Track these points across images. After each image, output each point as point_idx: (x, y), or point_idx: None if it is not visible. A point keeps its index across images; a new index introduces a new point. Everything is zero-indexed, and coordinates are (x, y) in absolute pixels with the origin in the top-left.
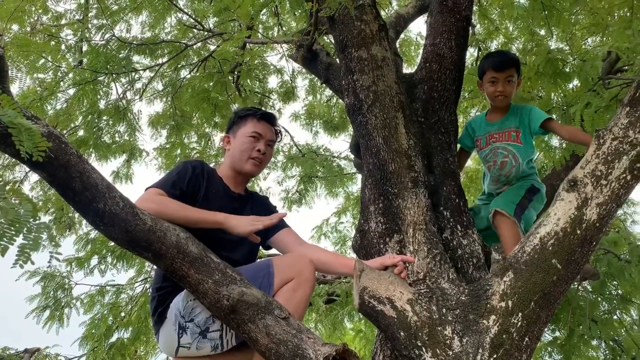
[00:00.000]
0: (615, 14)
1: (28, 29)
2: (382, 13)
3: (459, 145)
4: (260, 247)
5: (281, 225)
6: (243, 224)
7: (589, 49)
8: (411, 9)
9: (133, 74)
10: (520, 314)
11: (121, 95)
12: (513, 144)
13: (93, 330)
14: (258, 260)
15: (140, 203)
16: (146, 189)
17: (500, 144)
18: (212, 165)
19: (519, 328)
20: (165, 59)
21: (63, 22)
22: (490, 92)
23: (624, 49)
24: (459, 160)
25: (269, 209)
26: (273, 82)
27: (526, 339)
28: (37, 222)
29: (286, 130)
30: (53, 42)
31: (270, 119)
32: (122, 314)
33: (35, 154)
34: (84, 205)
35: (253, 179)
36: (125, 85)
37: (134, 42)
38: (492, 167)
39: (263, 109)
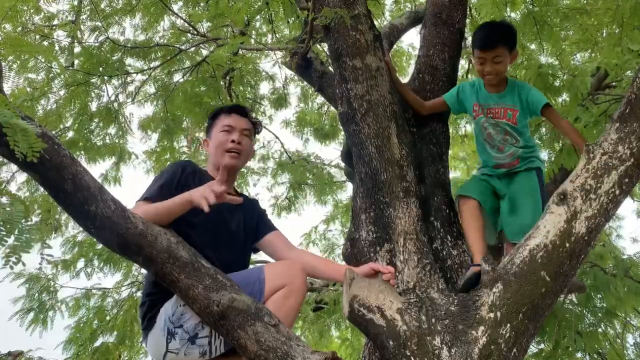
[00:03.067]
0: (605, 31)
1: (20, 28)
2: (376, 23)
3: (441, 99)
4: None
5: (270, 227)
6: (201, 191)
7: (578, 64)
8: (405, 20)
9: (125, 76)
10: (508, 325)
11: (113, 98)
12: (509, 124)
13: (78, 334)
14: (250, 267)
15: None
16: (136, 202)
17: (499, 121)
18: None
19: (507, 339)
20: (158, 63)
21: (55, 22)
22: (479, 71)
23: (612, 65)
24: (432, 104)
25: (259, 211)
26: (265, 88)
27: (514, 350)
28: (29, 223)
29: (276, 137)
30: (45, 43)
31: (239, 111)
32: (108, 318)
33: (30, 154)
34: (75, 207)
35: (243, 184)
36: (117, 88)
37: (127, 45)
38: (490, 143)
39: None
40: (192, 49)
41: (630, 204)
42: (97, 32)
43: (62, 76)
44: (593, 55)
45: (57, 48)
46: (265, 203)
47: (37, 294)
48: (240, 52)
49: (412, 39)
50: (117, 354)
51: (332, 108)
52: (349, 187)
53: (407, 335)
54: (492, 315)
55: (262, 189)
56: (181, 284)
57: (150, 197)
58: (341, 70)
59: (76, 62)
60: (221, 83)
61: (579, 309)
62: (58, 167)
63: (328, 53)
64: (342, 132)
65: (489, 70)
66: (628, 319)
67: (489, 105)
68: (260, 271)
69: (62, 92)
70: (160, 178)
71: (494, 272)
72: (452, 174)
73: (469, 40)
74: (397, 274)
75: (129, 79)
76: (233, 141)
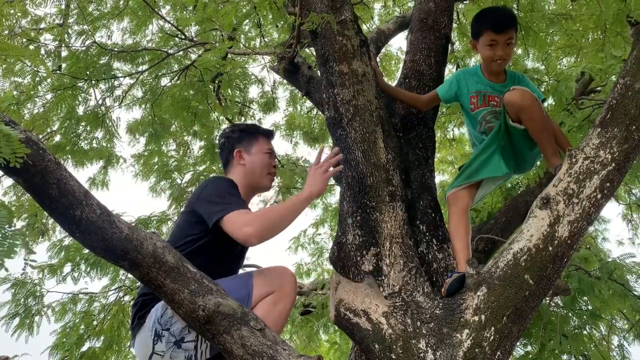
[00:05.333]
0: (590, 37)
1: (6, 32)
2: (364, 28)
3: (435, 92)
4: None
5: None
6: (320, 184)
7: (563, 69)
8: (392, 25)
9: (113, 80)
10: (492, 328)
11: (100, 102)
12: None
13: (64, 339)
14: (240, 272)
15: (244, 230)
16: (219, 220)
17: (500, 109)
18: (189, 175)
19: (491, 342)
20: (146, 67)
21: (42, 26)
22: (488, 56)
23: (596, 70)
24: (429, 98)
25: None
26: (254, 92)
27: (498, 353)
28: (13, 228)
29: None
30: (32, 47)
31: (273, 137)
32: (95, 323)
33: (13, 160)
34: (60, 212)
35: None
36: (105, 92)
37: (115, 49)
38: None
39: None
40: (180, 53)
41: (616, 207)
42: (84, 36)
43: (48, 80)
44: (578, 60)
45: (43, 52)
46: (254, 207)
47: (22, 299)
48: (229, 56)
49: (400, 43)
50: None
51: (321, 112)
52: (338, 190)
53: (392, 338)
54: (476, 318)
55: None
56: (167, 288)
57: (241, 207)
58: (328, 75)
59: (63, 65)
60: (210, 87)
61: (564, 311)
62: (43, 172)
63: (315, 58)
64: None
65: (501, 54)
66: (613, 321)
67: (491, 94)
68: (249, 277)
69: (48, 96)
70: (227, 193)
71: (479, 276)
72: (440, 177)
73: (456, 45)
74: (383, 277)
75: (116, 82)
76: (274, 166)
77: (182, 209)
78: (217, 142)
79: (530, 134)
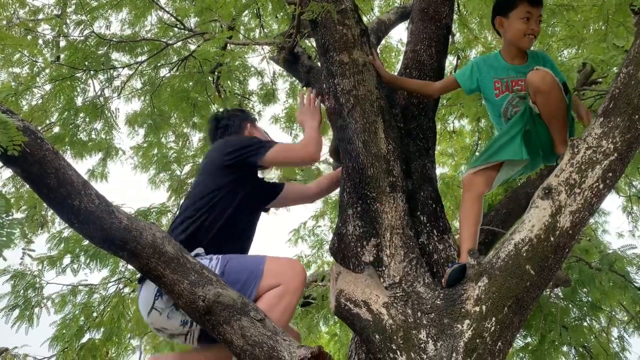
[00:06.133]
0: (591, 27)
1: (4, 22)
2: (364, 19)
3: (452, 78)
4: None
5: (279, 184)
6: (317, 115)
7: (565, 60)
8: (392, 16)
9: (111, 71)
10: (493, 319)
11: (99, 93)
12: None
13: (64, 331)
14: (253, 254)
15: (306, 150)
16: (265, 154)
17: (525, 93)
18: (188, 166)
19: (492, 333)
20: (144, 57)
21: (41, 16)
22: (521, 30)
23: (598, 61)
24: (443, 85)
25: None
26: (253, 84)
27: (499, 343)
28: (10, 218)
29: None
30: (30, 37)
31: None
32: (95, 315)
33: (10, 147)
34: (58, 202)
35: None
36: (103, 83)
37: (114, 39)
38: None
39: None
40: (179, 43)
41: (616, 199)
42: (82, 26)
43: (47, 71)
44: (580, 51)
45: (41, 42)
46: None
47: (22, 291)
48: (229, 47)
49: (401, 35)
50: (104, 351)
51: (321, 104)
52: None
53: (393, 329)
54: (477, 309)
55: None
56: (166, 279)
57: (275, 142)
58: (328, 65)
59: (62, 56)
60: (209, 78)
61: (565, 302)
62: (41, 162)
63: (315, 48)
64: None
65: (534, 28)
66: (613, 312)
67: (513, 78)
68: (262, 261)
69: (47, 87)
70: (252, 138)
71: (480, 266)
72: (440, 170)
73: (457, 36)
74: (384, 268)
75: (115, 73)
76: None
77: (196, 175)
78: None
79: (542, 117)
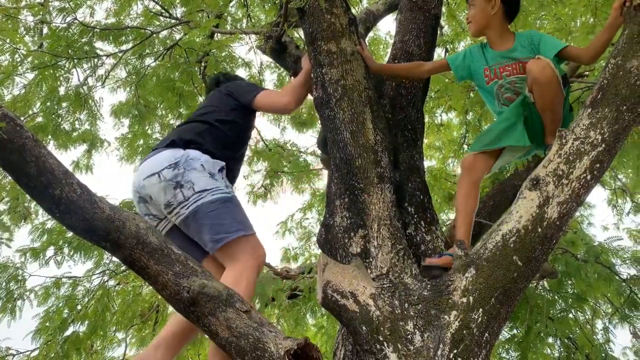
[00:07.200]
0: (579, 20)
1: None
2: (353, 11)
3: (444, 61)
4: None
5: None
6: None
7: None
8: (381, 6)
9: (95, 60)
10: (480, 309)
11: (82, 82)
12: (524, 77)
13: (47, 324)
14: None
15: (284, 99)
16: (254, 97)
17: (517, 77)
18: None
19: (479, 324)
20: (129, 46)
21: (23, 4)
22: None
23: None
24: (432, 67)
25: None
26: (241, 74)
27: (486, 334)
28: None
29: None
30: (10, 24)
31: None
32: (79, 307)
33: None
34: (39, 191)
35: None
36: (87, 72)
37: (97, 27)
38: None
39: None
40: (165, 32)
41: (602, 192)
42: (64, 13)
43: (29, 59)
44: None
45: (22, 29)
46: (241, 191)
47: (4, 283)
48: (216, 36)
49: (389, 27)
50: (89, 344)
51: (308, 95)
52: (325, 175)
53: (380, 320)
54: (464, 300)
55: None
56: (150, 270)
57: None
58: (316, 54)
59: (44, 44)
60: (195, 69)
61: (551, 294)
62: (20, 150)
63: (303, 37)
64: (319, 120)
65: (468, 14)
66: (597, 305)
67: (501, 64)
68: (249, 227)
69: (29, 76)
70: (252, 83)
71: (467, 257)
72: (428, 163)
73: (445, 29)
74: (371, 259)
75: (99, 62)
76: None
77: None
78: None
79: (536, 107)
